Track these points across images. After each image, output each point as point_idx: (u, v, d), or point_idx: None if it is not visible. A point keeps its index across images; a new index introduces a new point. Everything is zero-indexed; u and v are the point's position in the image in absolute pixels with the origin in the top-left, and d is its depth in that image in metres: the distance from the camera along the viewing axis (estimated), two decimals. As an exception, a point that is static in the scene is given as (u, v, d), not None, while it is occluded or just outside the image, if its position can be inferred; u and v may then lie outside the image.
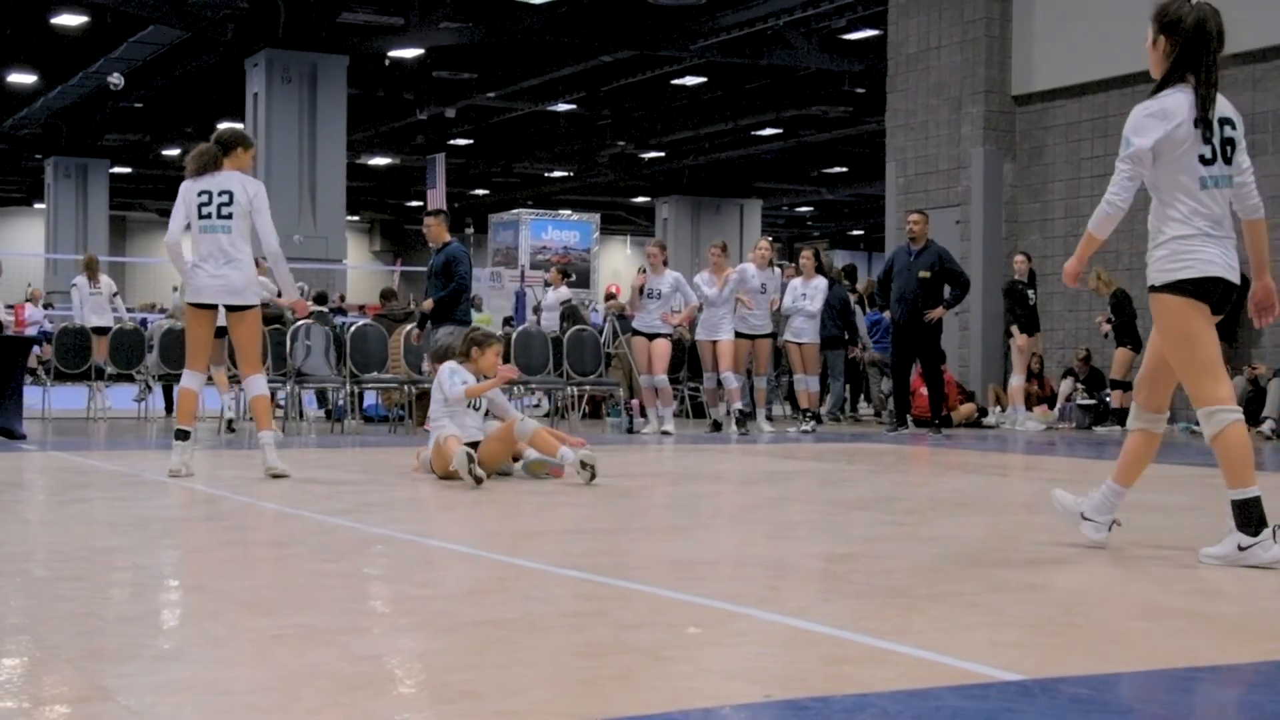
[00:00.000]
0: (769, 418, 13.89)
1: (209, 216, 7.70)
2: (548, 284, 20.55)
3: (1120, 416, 13.29)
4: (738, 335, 13.03)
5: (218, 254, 7.68)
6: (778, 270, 14.10)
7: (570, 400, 14.57)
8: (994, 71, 16.37)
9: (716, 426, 13.34)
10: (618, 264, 48.63)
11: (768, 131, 34.56)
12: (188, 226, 7.81)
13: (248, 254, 7.78)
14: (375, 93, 30.36)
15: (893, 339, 13.49)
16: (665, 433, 12.72)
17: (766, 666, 3.21)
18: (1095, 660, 3.32)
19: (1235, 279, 4.81)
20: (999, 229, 16.38)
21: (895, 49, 17.56)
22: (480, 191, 46.90)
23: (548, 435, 7.77)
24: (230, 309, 7.77)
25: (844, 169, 40.35)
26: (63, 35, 26.96)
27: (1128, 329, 14.06)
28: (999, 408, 15.35)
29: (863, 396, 16.70)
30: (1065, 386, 15.14)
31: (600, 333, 14.93)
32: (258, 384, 7.88)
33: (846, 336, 15.21)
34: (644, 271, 13.12)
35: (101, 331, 14.52)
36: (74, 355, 13.72)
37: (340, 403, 13.61)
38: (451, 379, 7.93)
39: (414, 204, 47.95)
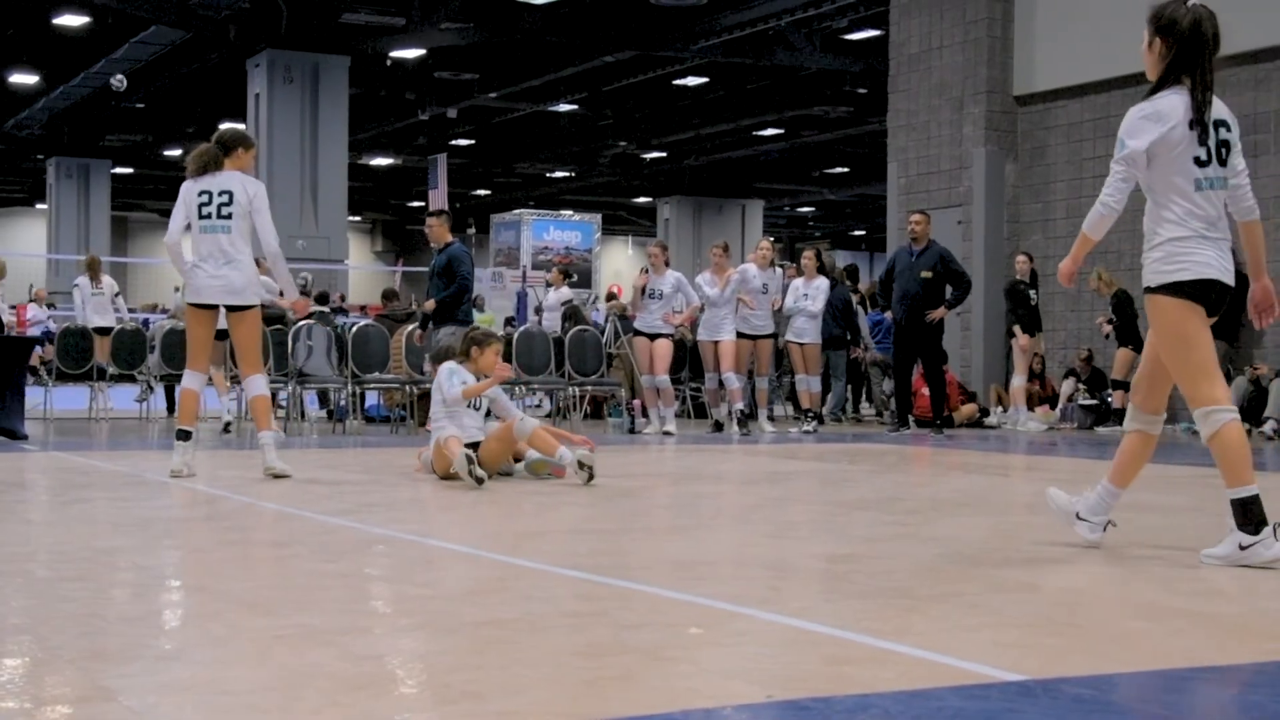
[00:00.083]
0: (771, 418, 13.89)
1: (209, 216, 7.70)
2: (549, 284, 20.55)
3: (1122, 417, 13.29)
4: (739, 335, 13.03)
5: (217, 254, 7.69)
6: (779, 270, 14.11)
7: (572, 400, 14.58)
8: (996, 72, 16.37)
9: (718, 427, 13.34)
10: (619, 264, 48.62)
11: (769, 132, 34.56)
12: (188, 227, 7.81)
13: (248, 254, 7.78)
14: (377, 93, 30.37)
15: (894, 339, 13.49)
16: (667, 433, 12.73)
17: (767, 667, 3.21)
18: (1096, 660, 3.32)
19: (1230, 281, 4.83)
20: (1001, 229, 16.38)
21: (897, 49, 17.56)
22: (482, 192, 46.91)
23: (547, 435, 7.76)
24: (230, 309, 7.77)
25: (845, 169, 40.34)
26: (64, 35, 26.97)
27: (1129, 329, 14.05)
28: (1001, 408, 15.35)
29: (864, 397, 16.71)
30: (1067, 387, 15.14)
31: (602, 332, 14.93)
32: (257, 384, 7.88)
33: (849, 337, 15.21)
34: (646, 272, 13.13)
35: (104, 332, 14.53)
36: (76, 356, 13.74)
37: (342, 403, 13.61)
38: (450, 380, 7.94)
39: (416, 204, 47.96)
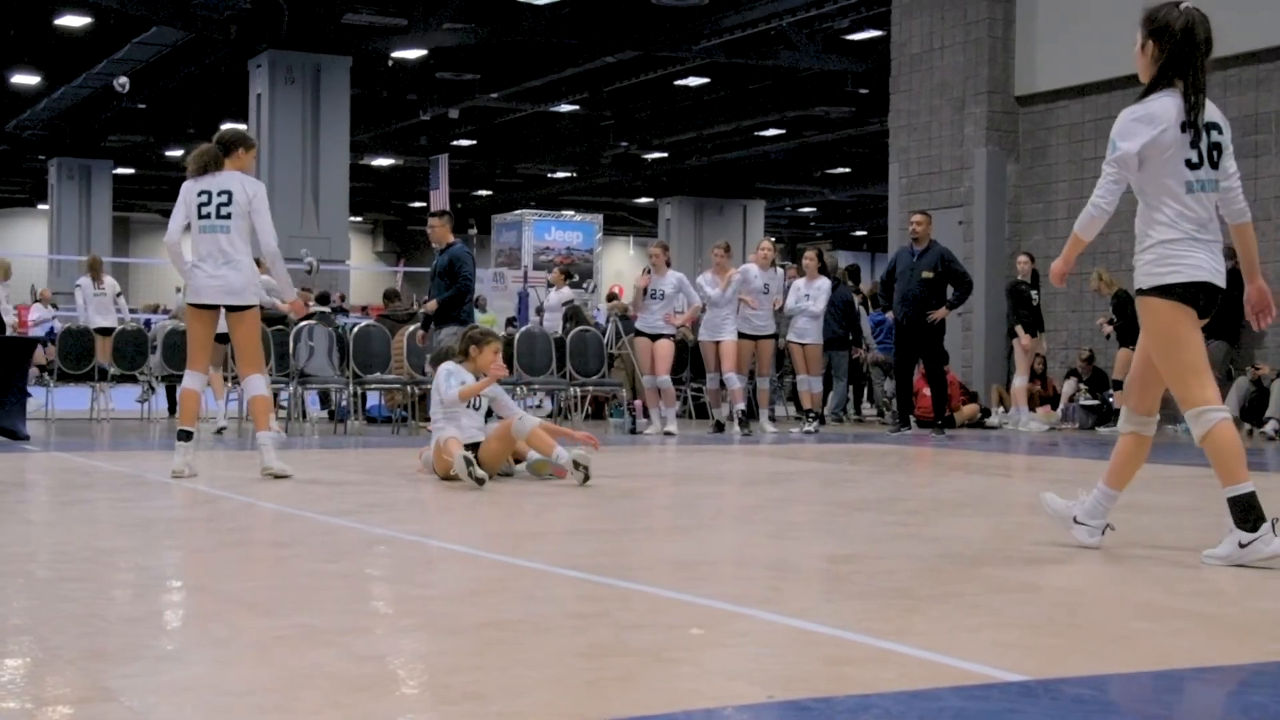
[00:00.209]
0: (772, 418, 13.89)
1: (208, 216, 7.71)
2: (550, 285, 20.55)
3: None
4: (741, 336, 13.03)
5: (216, 254, 7.69)
6: (780, 271, 14.11)
7: (573, 401, 14.58)
8: (997, 72, 16.37)
9: (719, 427, 13.34)
10: (620, 265, 48.64)
11: (771, 132, 34.56)
12: (188, 227, 7.82)
13: (247, 254, 7.78)
14: (378, 93, 30.36)
15: (895, 340, 13.49)
16: (668, 433, 12.73)
17: (768, 667, 3.21)
18: (1097, 661, 3.33)
19: (1222, 283, 4.85)
20: (1002, 229, 16.38)
21: (898, 49, 17.56)
22: (483, 192, 46.92)
23: (544, 434, 7.75)
24: (229, 309, 7.78)
25: (847, 170, 40.34)
26: (66, 36, 26.97)
27: (1130, 330, 14.03)
28: (1002, 408, 15.34)
29: (865, 397, 16.71)
30: (1068, 387, 15.14)
31: (603, 332, 14.94)
32: (257, 384, 7.88)
33: (851, 337, 15.21)
34: (648, 272, 13.13)
35: (105, 332, 14.54)
36: (77, 356, 13.74)
37: (343, 404, 13.62)
38: (448, 381, 7.94)
39: (417, 205, 47.97)
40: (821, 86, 29.28)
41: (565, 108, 32.61)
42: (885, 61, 18.48)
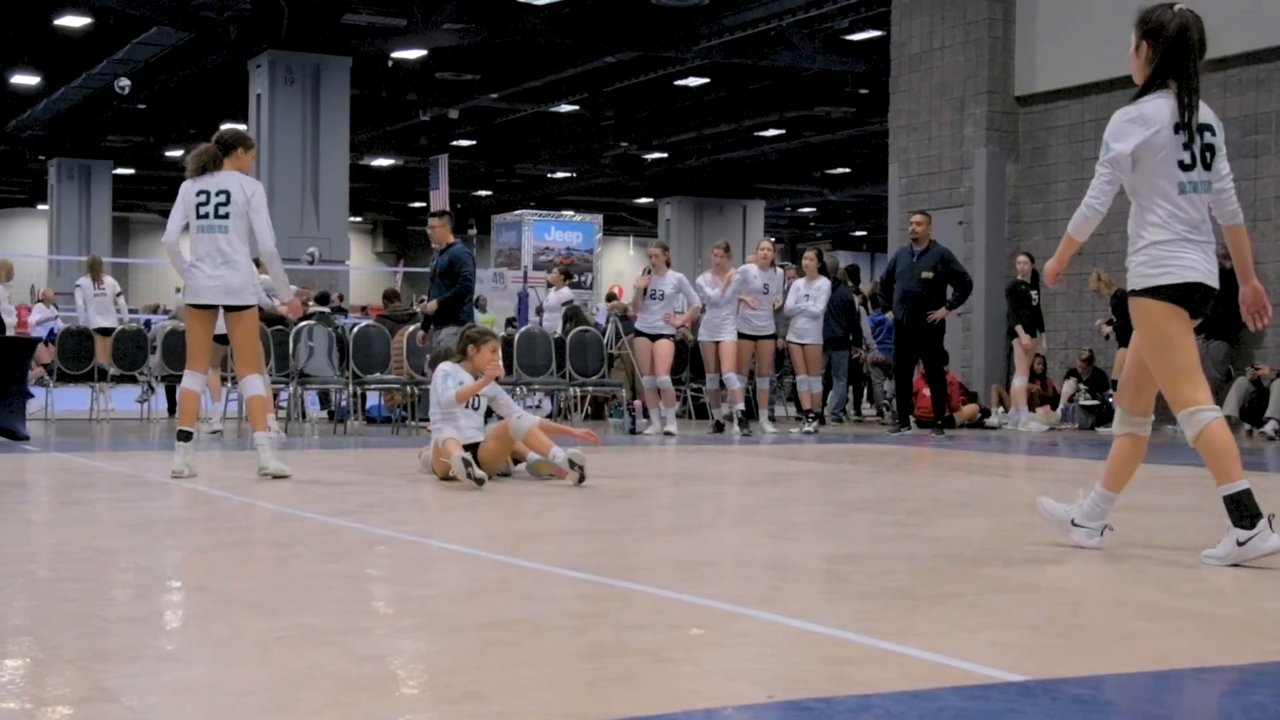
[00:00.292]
0: (771, 418, 13.90)
1: (206, 216, 7.71)
2: (550, 285, 20.56)
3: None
4: (740, 336, 13.04)
5: (215, 254, 7.69)
6: (780, 271, 14.11)
7: (573, 401, 14.58)
8: (997, 72, 16.37)
9: (719, 427, 13.34)
10: (620, 265, 48.64)
11: (770, 132, 34.55)
12: (187, 227, 7.82)
13: (245, 254, 7.78)
14: (378, 94, 30.36)
15: (895, 340, 13.49)
16: (668, 433, 12.73)
17: (769, 667, 3.21)
18: (1097, 661, 3.33)
19: (1214, 283, 4.87)
20: (1002, 230, 16.38)
21: (898, 50, 17.56)
22: (483, 192, 46.92)
23: (541, 434, 7.74)
24: (227, 309, 7.77)
25: (847, 170, 40.34)
26: (66, 36, 26.97)
27: (1129, 330, 14.01)
28: (1002, 408, 15.34)
29: (865, 397, 16.71)
30: (1068, 387, 15.14)
31: (603, 332, 14.94)
32: (254, 384, 7.87)
33: (851, 337, 15.21)
34: (648, 273, 13.13)
35: (106, 332, 14.54)
36: (77, 356, 13.74)
37: (343, 404, 13.62)
38: (444, 382, 7.93)
39: (417, 205, 47.98)
40: (821, 86, 29.28)
41: (565, 108, 32.62)
42: (885, 62, 18.49)
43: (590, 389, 14.66)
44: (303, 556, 4.93)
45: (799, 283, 13.86)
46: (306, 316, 14.40)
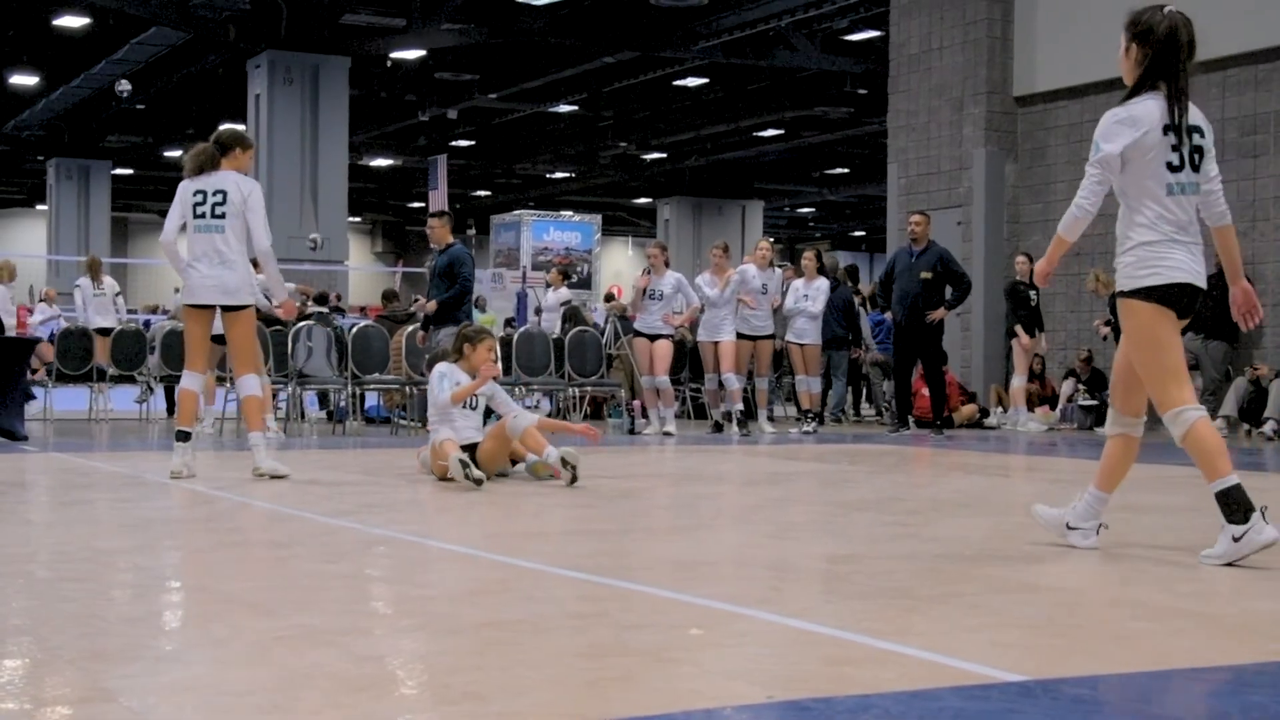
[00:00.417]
0: (770, 419, 13.90)
1: (203, 216, 7.71)
2: (548, 285, 20.57)
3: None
4: (739, 336, 13.04)
5: (212, 254, 7.69)
6: (778, 271, 14.12)
7: (572, 401, 14.57)
8: (995, 72, 16.38)
9: (718, 427, 13.35)
10: (619, 265, 48.63)
11: (769, 132, 34.55)
12: (184, 227, 7.81)
13: (242, 254, 7.76)
14: (377, 94, 30.35)
15: (894, 340, 13.50)
16: (667, 433, 12.73)
17: (768, 667, 3.21)
18: (1096, 661, 3.33)
19: (1202, 283, 4.91)
20: (1001, 230, 16.38)
21: (897, 50, 17.57)
22: (482, 193, 46.91)
23: (537, 434, 7.72)
24: (225, 309, 7.77)
25: (846, 170, 40.33)
26: (65, 37, 26.96)
27: (1128, 330, 14.03)
28: (1001, 408, 15.35)
29: (864, 397, 16.71)
30: (1067, 387, 15.14)
31: (602, 332, 14.94)
32: (251, 384, 7.86)
33: (851, 337, 15.22)
34: (647, 273, 13.13)
35: (105, 332, 14.54)
36: (76, 357, 13.74)
37: (342, 404, 13.62)
38: (440, 384, 7.92)
39: (416, 205, 47.97)
40: (820, 87, 29.28)
41: (564, 108, 32.61)
42: (884, 62, 18.49)
43: (589, 389, 14.66)
44: (302, 557, 4.93)
45: (798, 283, 13.86)
46: (305, 317, 14.39)
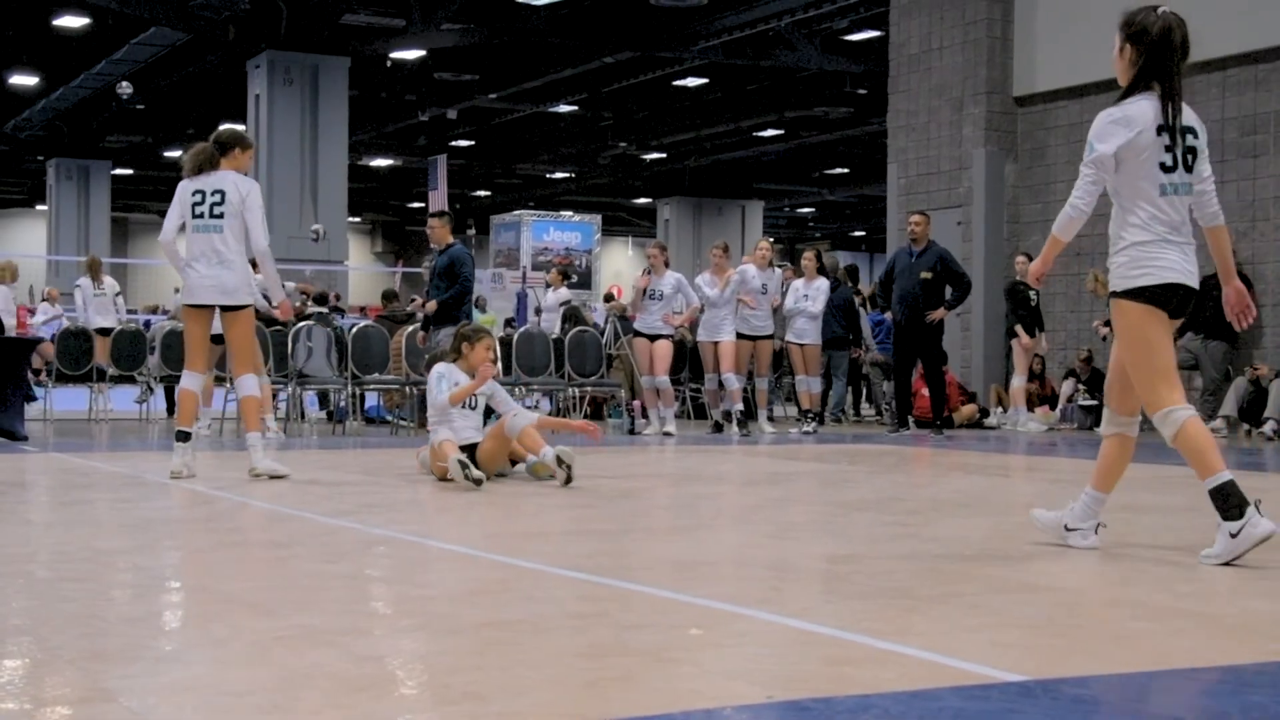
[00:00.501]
0: (770, 419, 13.90)
1: (201, 216, 7.71)
2: (548, 285, 20.57)
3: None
4: (739, 336, 13.04)
5: (210, 254, 7.69)
6: (778, 271, 14.12)
7: (572, 401, 14.57)
8: (995, 72, 16.37)
9: (718, 427, 13.35)
10: (619, 265, 48.64)
11: (769, 133, 34.55)
12: (183, 227, 7.81)
13: (241, 254, 7.76)
14: (377, 94, 30.36)
15: (894, 340, 13.50)
16: (667, 434, 12.73)
17: (768, 668, 3.21)
18: (1096, 661, 3.33)
19: (1194, 284, 4.93)
20: (1000, 230, 16.38)
21: (897, 50, 17.56)
22: (482, 193, 46.91)
23: (535, 433, 7.71)
24: (223, 309, 7.77)
25: (845, 170, 40.33)
26: (64, 37, 26.96)
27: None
28: (1000, 409, 15.35)
29: (864, 397, 16.71)
30: (1067, 387, 15.14)
31: (601, 333, 14.95)
32: (249, 384, 7.85)
33: (851, 337, 15.22)
34: (648, 273, 13.13)
35: (105, 332, 14.54)
36: (76, 357, 13.74)
37: (341, 404, 13.62)
38: (438, 385, 7.91)
39: (416, 205, 47.98)
40: (820, 87, 29.28)
41: (564, 108, 32.62)
42: (884, 62, 18.49)
43: (589, 389, 14.66)
44: (302, 557, 4.93)
45: (798, 283, 13.87)
46: (305, 317, 14.40)
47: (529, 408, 13.15)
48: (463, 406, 7.93)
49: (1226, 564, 4.72)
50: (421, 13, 24.10)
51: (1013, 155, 16.50)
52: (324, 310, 16.03)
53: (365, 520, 5.96)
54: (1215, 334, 13.46)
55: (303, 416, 14.02)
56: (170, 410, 14.26)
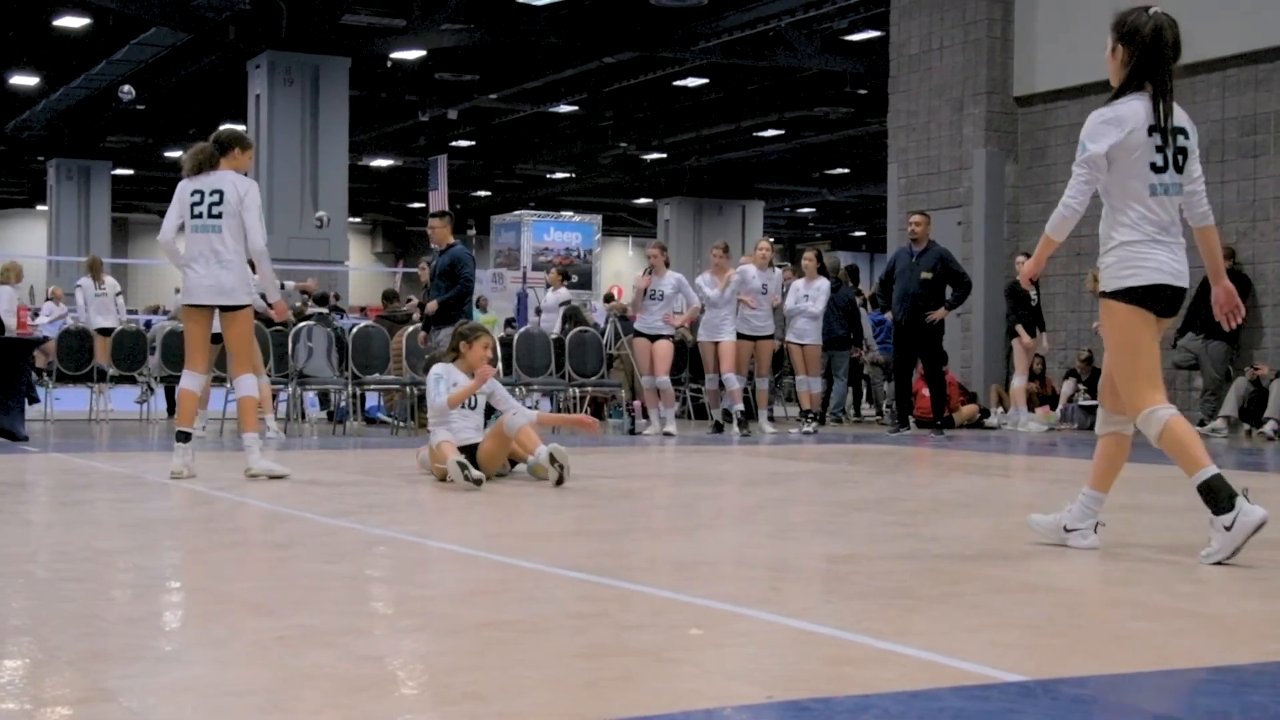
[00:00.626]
0: (771, 419, 13.90)
1: (200, 216, 7.71)
2: (548, 285, 20.59)
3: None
4: (739, 336, 13.04)
5: (209, 254, 7.69)
6: (778, 271, 14.12)
7: (572, 401, 14.57)
8: (996, 72, 16.37)
9: (718, 428, 13.35)
10: (620, 265, 48.65)
11: (770, 133, 34.56)
12: (182, 227, 7.81)
13: (239, 254, 7.75)
14: (377, 94, 30.37)
15: (894, 340, 13.50)
16: (667, 434, 12.73)
17: (768, 668, 3.21)
18: (1096, 661, 3.33)
19: (1184, 283, 4.96)
20: (1001, 230, 16.38)
21: (897, 50, 17.56)
22: (482, 193, 46.92)
23: (532, 432, 7.70)
24: (222, 309, 7.77)
25: (846, 170, 40.34)
26: (65, 37, 26.97)
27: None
28: (1001, 409, 15.35)
29: (865, 397, 16.71)
30: (1067, 387, 15.14)
31: (602, 333, 14.95)
32: (247, 384, 7.85)
33: (852, 337, 15.22)
34: (648, 273, 13.14)
35: (106, 332, 14.55)
36: (76, 357, 13.74)
37: (342, 404, 13.62)
38: (436, 386, 7.90)
39: (416, 205, 47.99)
40: (820, 87, 29.28)
41: (564, 108, 32.63)
42: (884, 62, 18.49)
43: (589, 389, 14.66)
44: (302, 557, 4.93)
45: (798, 283, 13.87)
46: (306, 317, 14.40)
47: (529, 408, 13.17)
48: (462, 406, 7.92)
49: (1228, 558, 4.72)
50: (421, 13, 24.10)
51: (1013, 155, 16.50)
52: (324, 310, 16.04)
53: (365, 520, 5.96)
54: (1215, 334, 13.46)
55: (303, 417, 14.02)
56: (170, 410, 14.26)
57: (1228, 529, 4.69)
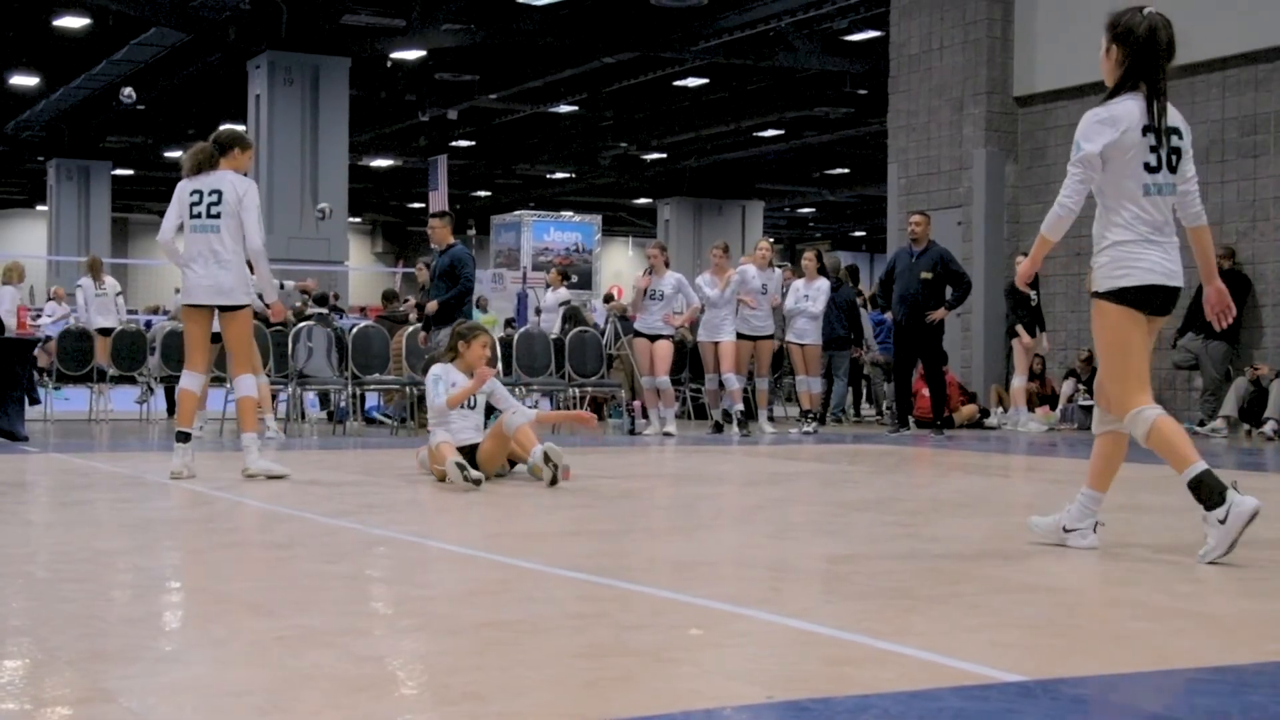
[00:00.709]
0: (771, 419, 13.90)
1: (199, 216, 7.71)
2: (548, 285, 20.59)
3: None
4: (739, 336, 13.04)
5: (208, 254, 7.69)
6: (778, 271, 14.12)
7: (572, 402, 14.57)
8: (996, 72, 16.37)
9: (718, 428, 13.34)
10: (620, 265, 48.64)
11: (770, 133, 34.55)
12: (182, 226, 7.81)
13: (238, 254, 7.75)
14: (377, 94, 30.36)
15: (894, 340, 13.50)
16: (667, 434, 12.73)
17: (768, 668, 3.21)
18: (1096, 661, 3.33)
19: (1178, 283, 4.98)
20: (1001, 230, 16.38)
21: (897, 50, 17.56)
22: (482, 193, 46.91)
23: (530, 431, 7.69)
24: (221, 309, 7.77)
25: (846, 170, 40.34)
26: (65, 37, 26.96)
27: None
28: (1001, 409, 15.34)
29: (865, 397, 16.71)
30: (1067, 387, 15.14)
31: (601, 332, 14.95)
32: (246, 385, 7.85)
33: (853, 337, 15.22)
34: (648, 273, 13.14)
35: (107, 332, 14.55)
36: (76, 357, 13.74)
37: (342, 404, 13.62)
38: (435, 387, 7.90)
39: (416, 205, 47.99)
40: (820, 87, 29.28)
41: (564, 108, 32.62)
42: (884, 62, 18.49)
43: (589, 389, 14.66)
44: (302, 557, 4.93)
45: (798, 283, 13.87)
46: (306, 317, 14.40)
47: (529, 408, 13.16)
48: (462, 406, 7.92)
49: (1226, 552, 4.72)
50: (421, 13, 24.10)
51: (1013, 155, 16.50)
52: (324, 310, 16.04)
53: (365, 520, 5.96)
54: (1215, 334, 13.46)
55: (303, 417, 14.02)
56: (170, 410, 14.26)
57: (1222, 522, 4.71)
